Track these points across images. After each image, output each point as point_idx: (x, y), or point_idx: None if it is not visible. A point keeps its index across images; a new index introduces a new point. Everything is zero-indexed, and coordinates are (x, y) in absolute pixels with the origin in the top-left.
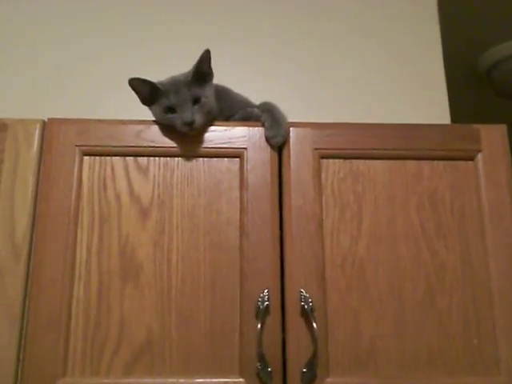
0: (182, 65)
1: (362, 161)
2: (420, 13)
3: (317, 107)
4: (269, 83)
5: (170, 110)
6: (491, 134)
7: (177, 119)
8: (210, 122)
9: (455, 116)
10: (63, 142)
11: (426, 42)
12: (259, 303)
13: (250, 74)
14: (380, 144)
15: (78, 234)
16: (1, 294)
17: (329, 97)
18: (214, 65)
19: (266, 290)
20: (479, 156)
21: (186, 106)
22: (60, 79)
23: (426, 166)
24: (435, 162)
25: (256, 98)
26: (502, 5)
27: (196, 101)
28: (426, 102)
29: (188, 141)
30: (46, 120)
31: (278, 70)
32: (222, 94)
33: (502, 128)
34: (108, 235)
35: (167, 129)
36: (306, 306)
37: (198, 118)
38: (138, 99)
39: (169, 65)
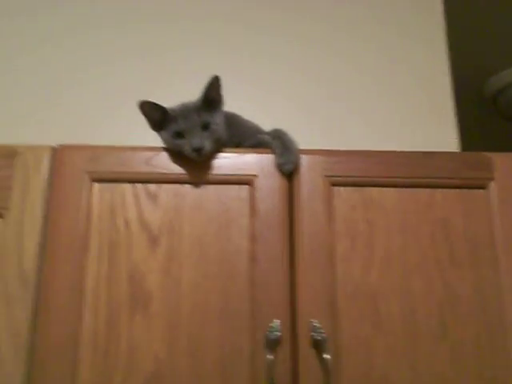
0: (194, 92)
1: (374, 188)
2: (429, 39)
3: (325, 134)
4: (279, 109)
5: (179, 135)
6: (504, 163)
7: (185, 145)
8: (219, 148)
9: (463, 141)
10: (73, 169)
11: (435, 69)
12: (270, 333)
13: (260, 99)
14: (391, 172)
15: (87, 261)
16: (8, 322)
17: (337, 124)
18: (226, 90)
19: (277, 320)
20: (492, 184)
21: (195, 131)
22: (70, 106)
23: (438, 194)
24: (447, 190)
25: (266, 124)
26: (508, 30)
27: (205, 127)
28: (435, 128)
29: (198, 167)
30: (55, 146)
31: (287, 95)
32: (232, 120)
33: None
34: (117, 262)
35: (177, 155)
36: (317, 337)
37: (207, 144)
38: (148, 125)
39: (180, 92)
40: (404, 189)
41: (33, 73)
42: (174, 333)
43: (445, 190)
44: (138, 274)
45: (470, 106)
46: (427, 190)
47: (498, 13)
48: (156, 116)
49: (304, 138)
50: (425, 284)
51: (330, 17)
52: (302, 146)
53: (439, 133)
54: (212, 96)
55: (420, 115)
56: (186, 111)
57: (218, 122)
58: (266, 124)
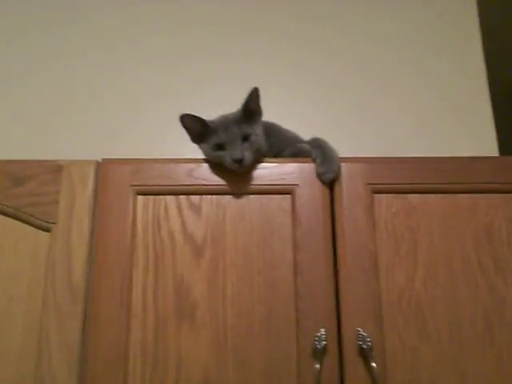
0: (232, 105)
1: (415, 195)
2: (464, 42)
3: (363, 142)
4: (318, 118)
5: (220, 147)
6: None
7: (226, 156)
8: (259, 159)
9: (500, 142)
10: (117, 182)
11: (472, 73)
12: (316, 343)
13: (299, 109)
14: (433, 178)
15: (134, 273)
16: (60, 335)
17: (375, 132)
18: (264, 101)
19: (322, 329)
20: None
21: (236, 143)
22: (113, 120)
23: (481, 199)
24: (490, 195)
25: (305, 133)
26: None
27: (245, 138)
28: (474, 132)
29: (239, 178)
30: (100, 160)
31: (326, 105)
32: (271, 130)
33: None
34: (163, 274)
35: (218, 167)
36: (363, 346)
37: (248, 156)
38: (189, 137)
39: (219, 105)
40: (446, 195)
41: (74, 90)
42: (220, 342)
43: (487, 195)
44: (183, 285)
45: (503, 104)
46: (469, 196)
47: None
48: (196, 128)
49: (342, 145)
50: (470, 290)
51: (363, 31)
52: (341, 154)
53: (478, 137)
54: (251, 107)
55: (458, 119)
56: (226, 123)
57: (257, 133)
58: (304, 133)
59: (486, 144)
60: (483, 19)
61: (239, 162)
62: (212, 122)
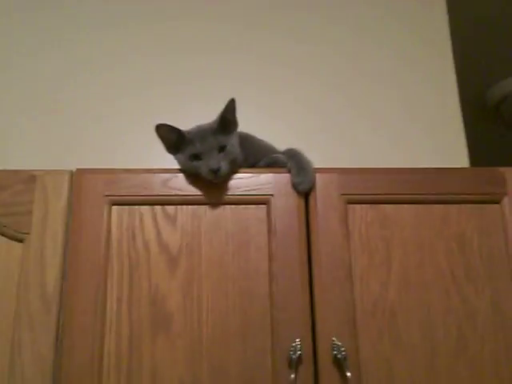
0: (208, 114)
1: (389, 205)
2: (436, 53)
3: (337, 152)
4: (292, 129)
5: (196, 157)
6: None
7: (202, 166)
8: (235, 170)
9: (469, 151)
10: (92, 192)
11: (443, 84)
12: (291, 352)
13: (273, 120)
14: (406, 188)
15: (108, 284)
16: (33, 346)
17: (348, 142)
18: (239, 112)
19: (297, 340)
20: (505, 199)
21: (212, 153)
22: (86, 130)
23: (453, 209)
24: (462, 205)
25: (280, 144)
26: (509, 39)
27: (222, 149)
28: (445, 142)
29: (215, 188)
30: (74, 170)
31: (300, 116)
32: (246, 140)
33: None
34: (138, 285)
35: (194, 177)
36: (338, 355)
37: (224, 166)
38: (163, 147)
39: (194, 115)
40: (419, 205)
41: (49, 100)
42: (196, 353)
43: (459, 206)
44: (158, 296)
45: (473, 116)
46: (442, 206)
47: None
48: (172, 138)
49: (317, 155)
50: (442, 299)
51: (336, 45)
52: (316, 165)
53: (449, 148)
54: (228, 118)
55: (430, 132)
56: (202, 133)
57: (233, 143)
58: (278, 144)
59: (456, 156)
60: (454, 35)
61: (215, 172)
62: (188, 132)
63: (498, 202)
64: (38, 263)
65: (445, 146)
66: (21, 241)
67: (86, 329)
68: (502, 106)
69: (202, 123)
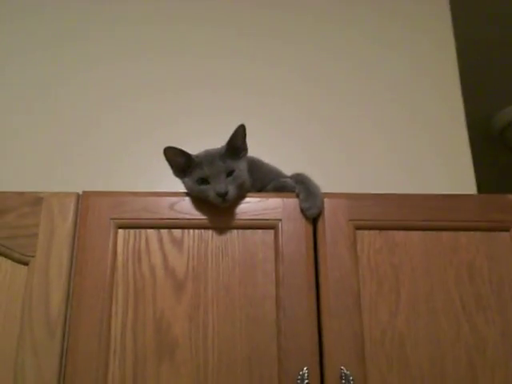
0: (217, 139)
1: (398, 232)
2: (443, 80)
3: (346, 178)
4: (301, 153)
5: (204, 181)
6: None
7: (210, 190)
8: (242, 194)
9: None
10: (98, 215)
11: (451, 113)
12: (299, 381)
13: (282, 144)
14: (415, 215)
15: (113, 308)
16: (37, 371)
17: (357, 168)
18: (247, 134)
19: (305, 368)
20: None
21: (220, 177)
22: (93, 152)
23: (462, 236)
24: (471, 232)
25: (288, 169)
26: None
27: (230, 173)
28: (453, 169)
29: (222, 212)
30: (80, 193)
31: (309, 140)
32: (254, 165)
33: None
34: (143, 309)
35: (201, 201)
36: None
37: (232, 190)
38: (171, 171)
39: (204, 139)
40: (428, 232)
41: (55, 121)
42: (201, 381)
43: (469, 233)
44: (163, 321)
45: (478, 142)
46: (451, 233)
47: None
48: (180, 162)
49: (325, 181)
50: (452, 328)
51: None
52: (324, 190)
53: (457, 175)
54: (237, 144)
55: (438, 158)
56: (210, 158)
57: (241, 168)
58: (287, 169)
59: (464, 182)
60: (461, 61)
61: (223, 196)
62: (196, 156)
63: (507, 230)
64: (43, 287)
65: (452, 172)
66: (26, 264)
67: (90, 354)
68: (507, 133)
69: (210, 148)
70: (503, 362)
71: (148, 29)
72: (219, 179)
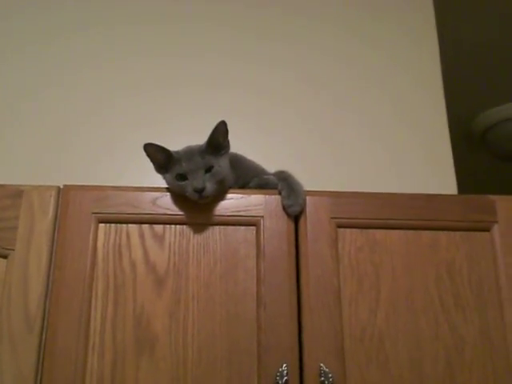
0: (202, 137)
1: (379, 230)
2: (426, 81)
3: (328, 176)
4: (283, 151)
5: (182, 177)
6: (507, 205)
7: (187, 186)
8: (222, 191)
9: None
10: (79, 209)
11: (432, 112)
12: (278, 378)
13: (264, 141)
14: (396, 214)
15: (93, 302)
16: (14, 365)
17: (340, 166)
18: (229, 131)
19: (284, 365)
20: (495, 227)
21: (198, 173)
22: (75, 145)
23: (442, 236)
24: (452, 232)
25: (271, 166)
26: (496, 68)
27: (209, 169)
28: (433, 169)
29: (204, 209)
30: (61, 186)
31: (291, 137)
32: (237, 161)
33: None
34: (123, 304)
35: (183, 197)
36: (325, 381)
37: (209, 186)
38: (153, 167)
39: (188, 137)
40: (409, 231)
41: (37, 114)
42: (180, 377)
43: (449, 233)
44: (143, 317)
45: (459, 144)
46: (431, 232)
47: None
48: (160, 158)
49: (307, 178)
50: (431, 326)
51: (334, 61)
52: (306, 187)
53: (438, 174)
54: (218, 140)
55: (419, 158)
56: (189, 154)
57: (221, 164)
58: (269, 166)
59: (445, 182)
60: (443, 63)
61: (200, 191)
62: (176, 152)
63: (487, 230)
64: (21, 280)
65: (433, 172)
66: (5, 257)
67: (68, 349)
68: (487, 136)
69: (193, 144)
70: (481, 362)
71: (135, 28)
72: (196, 175)
